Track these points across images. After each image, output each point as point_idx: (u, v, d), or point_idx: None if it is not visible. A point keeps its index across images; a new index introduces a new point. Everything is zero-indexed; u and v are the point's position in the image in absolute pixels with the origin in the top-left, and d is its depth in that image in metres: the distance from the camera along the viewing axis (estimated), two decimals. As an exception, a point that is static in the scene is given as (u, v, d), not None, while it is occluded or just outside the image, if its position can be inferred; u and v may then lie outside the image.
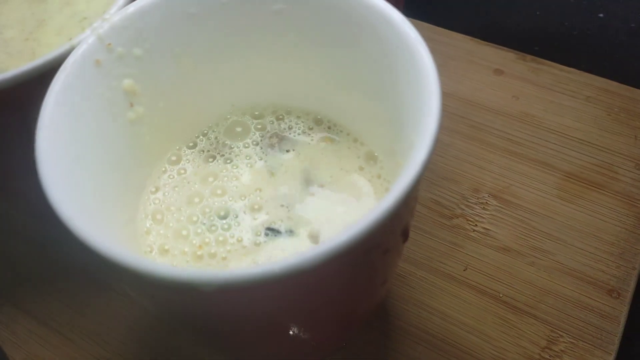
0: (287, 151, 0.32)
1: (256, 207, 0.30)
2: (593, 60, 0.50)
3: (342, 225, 0.29)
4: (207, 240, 0.29)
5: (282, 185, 0.31)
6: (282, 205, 0.30)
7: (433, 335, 0.35)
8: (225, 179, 0.31)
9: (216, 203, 0.30)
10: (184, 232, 0.29)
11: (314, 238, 0.29)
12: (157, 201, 0.30)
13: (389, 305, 0.37)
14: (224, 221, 0.30)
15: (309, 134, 0.32)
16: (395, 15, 0.25)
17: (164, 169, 0.32)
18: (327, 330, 0.30)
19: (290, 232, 0.29)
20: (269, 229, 0.29)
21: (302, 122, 0.33)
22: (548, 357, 0.34)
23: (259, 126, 0.33)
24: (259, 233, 0.29)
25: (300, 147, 0.32)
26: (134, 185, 0.30)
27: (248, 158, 0.32)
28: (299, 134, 0.32)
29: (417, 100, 0.24)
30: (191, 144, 0.33)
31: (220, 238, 0.29)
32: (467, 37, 0.50)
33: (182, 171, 0.32)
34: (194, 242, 0.29)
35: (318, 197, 0.30)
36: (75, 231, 0.21)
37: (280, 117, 0.33)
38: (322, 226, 0.29)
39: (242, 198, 0.30)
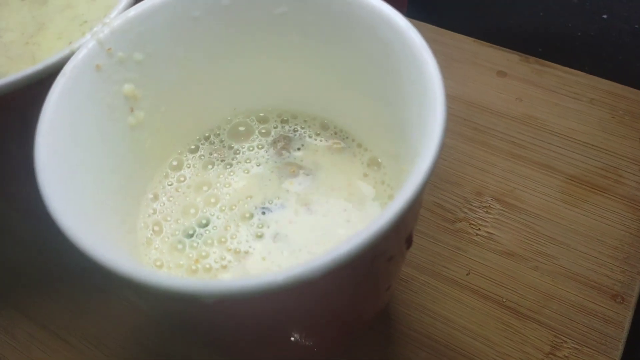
0: (298, 149, 0.31)
1: (247, 215, 0.30)
2: (597, 62, 0.50)
3: (345, 234, 0.29)
4: (203, 253, 0.29)
5: (281, 193, 0.30)
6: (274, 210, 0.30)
7: (436, 340, 0.35)
8: (218, 184, 0.31)
9: (210, 214, 0.30)
10: (180, 247, 0.29)
11: (305, 202, 0.29)
12: (154, 211, 0.30)
13: (391, 310, 0.36)
14: (216, 231, 0.29)
15: (316, 139, 0.32)
16: (400, 21, 0.25)
17: (165, 173, 0.31)
18: (330, 337, 0.29)
19: (282, 206, 0.29)
20: (261, 207, 0.29)
21: (309, 126, 0.32)
22: (552, 363, 0.34)
23: (264, 130, 0.33)
24: (260, 228, 0.29)
25: (306, 151, 0.32)
26: (135, 192, 0.30)
27: (248, 162, 0.32)
28: (306, 139, 0.32)
29: (422, 106, 0.23)
30: (193, 147, 0.32)
31: (215, 250, 0.29)
32: (470, 39, 0.49)
33: (182, 178, 0.31)
34: (190, 255, 0.29)
35: (320, 204, 0.30)
36: (75, 241, 0.20)
37: (285, 119, 0.33)
38: (322, 234, 0.29)
39: (233, 208, 0.30)
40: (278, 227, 0.29)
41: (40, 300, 0.38)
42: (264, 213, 0.30)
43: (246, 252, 0.28)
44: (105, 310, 0.38)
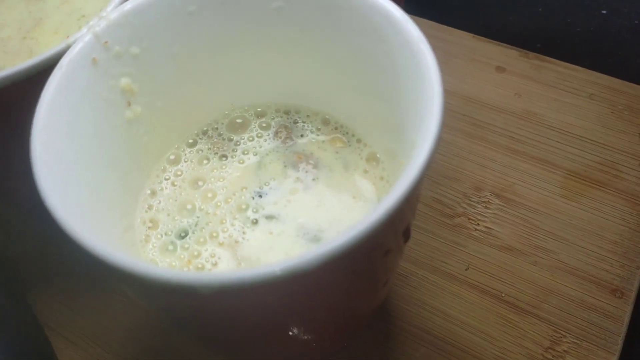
0: (302, 136, 0.31)
1: (243, 207, 0.29)
2: (596, 58, 0.49)
3: (344, 227, 0.29)
4: (195, 253, 0.28)
5: (278, 176, 0.30)
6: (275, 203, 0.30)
7: (435, 335, 0.35)
8: (213, 179, 0.31)
9: (207, 210, 0.30)
10: (170, 247, 0.29)
11: (302, 180, 0.29)
12: (151, 207, 0.30)
13: (390, 305, 0.36)
14: (209, 227, 0.29)
15: (318, 134, 0.32)
16: (397, 13, 0.25)
17: (163, 168, 0.31)
18: (328, 331, 0.29)
19: (278, 187, 0.29)
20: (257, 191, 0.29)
21: (311, 121, 0.32)
22: (551, 357, 0.34)
23: (264, 125, 0.33)
24: (254, 213, 0.29)
25: (309, 145, 0.31)
26: (133, 187, 0.30)
27: (245, 153, 0.31)
28: (308, 133, 0.32)
29: (419, 100, 0.23)
30: (191, 142, 0.32)
31: (206, 248, 0.28)
32: (469, 35, 0.49)
33: (179, 172, 0.31)
34: (182, 256, 0.28)
35: (320, 200, 0.30)
36: (72, 235, 0.20)
37: (287, 111, 0.33)
38: (323, 229, 0.29)
39: (228, 201, 0.30)
40: (277, 208, 0.29)
41: (40, 297, 0.38)
42: (260, 196, 0.29)
43: (237, 242, 0.28)
44: (105, 308, 0.38)
